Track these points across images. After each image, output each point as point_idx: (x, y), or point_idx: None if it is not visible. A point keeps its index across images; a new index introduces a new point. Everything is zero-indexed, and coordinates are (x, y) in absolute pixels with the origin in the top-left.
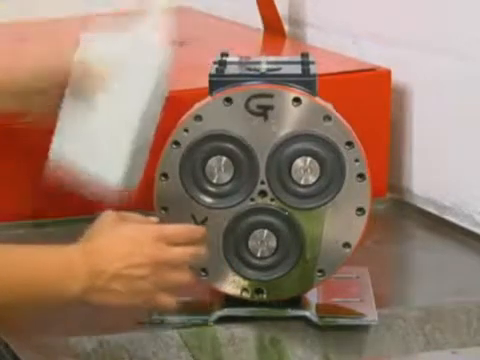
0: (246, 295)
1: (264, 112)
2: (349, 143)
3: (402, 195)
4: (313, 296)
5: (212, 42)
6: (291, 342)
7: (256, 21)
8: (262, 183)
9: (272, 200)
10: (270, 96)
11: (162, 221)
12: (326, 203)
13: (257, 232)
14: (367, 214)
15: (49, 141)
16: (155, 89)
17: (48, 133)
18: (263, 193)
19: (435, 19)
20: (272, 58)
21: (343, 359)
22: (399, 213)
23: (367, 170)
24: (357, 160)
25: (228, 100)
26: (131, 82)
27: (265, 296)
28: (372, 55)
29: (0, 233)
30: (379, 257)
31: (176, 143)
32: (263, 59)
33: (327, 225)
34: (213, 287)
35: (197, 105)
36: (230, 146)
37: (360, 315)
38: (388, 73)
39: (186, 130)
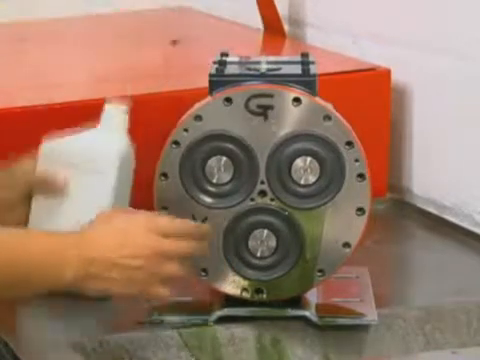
0: (246, 295)
1: (264, 112)
2: (349, 143)
3: (402, 195)
4: (313, 296)
5: (212, 42)
6: (291, 342)
7: (256, 21)
8: (262, 183)
9: (272, 200)
10: (270, 96)
11: None
12: (326, 203)
13: (257, 232)
14: (367, 214)
15: None
16: (118, 184)
17: None
18: (263, 193)
19: (435, 19)
20: (272, 58)
21: (343, 359)
22: (399, 213)
23: (367, 170)
24: (357, 160)
25: (228, 100)
26: (94, 180)
27: (265, 296)
28: (372, 55)
29: None
30: (379, 257)
31: (176, 143)
32: (263, 59)
33: (327, 225)
34: (213, 287)
35: (197, 105)
36: (230, 146)
37: (360, 315)
38: (388, 73)
39: (186, 130)
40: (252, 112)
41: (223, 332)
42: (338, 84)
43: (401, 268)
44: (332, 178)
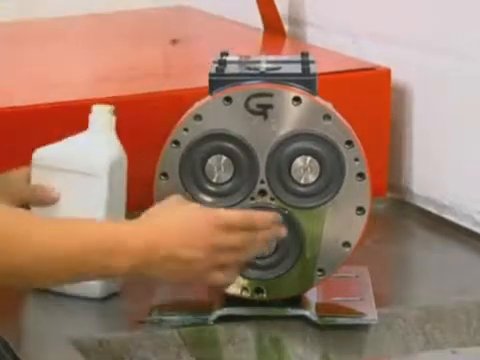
0: (246, 294)
1: (264, 111)
2: (349, 142)
3: (402, 194)
4: (313, 295)
5: (212, 41)
6: (291, 341)
7: (256, 20)
8: (262, 182)
9: (272, 199)
10: (270, 95)
11: None
12: (326, 202)
13: None
14: (367, 213)
15: None
16: (111, 185)
17: None
18: (263, 192)
19: (435, 19)
20: (272, 57)
21: (343, 358)
22: (399, 212)
23: (367, 169)
24: (357, 159)
25: (228, 99)
26: (87, 183)
27: (265, 295)
28: (372, 54)
29: None
30: (379, 256)
31: (176, 142)
32: (263, 58)
33: (327, 224)
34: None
35: (197, 104)
36: (230, 145)
37: (360, 314)
38: (388, 72)
39: (186, 129)
40: (252, 111)
41: (223, 331)
42: (338, 83)
43: (401, 267)
44: (332, 177)
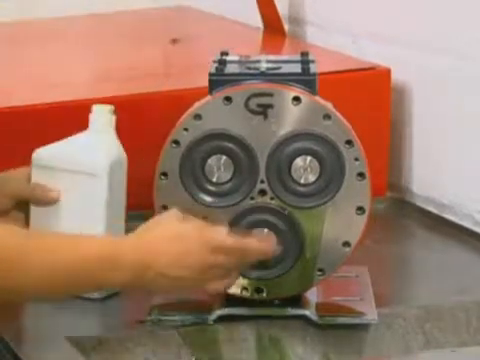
0: (246, 294)
1: (264, 111)
2: (349, 142)
3: (402, 194)
4: (313, 295)
5: (212, 41)
6: (291, 341)
7: (256, 20)
8: (262, 182)
9: (272, 199)
10: (270, 95)
11: None
12: (326, 202)
13: (257, 231)
14: (367, 213)
15: None
16: (111, 184)
17: None
18: (263, 192)
19: (435, 19)
20: (272, 57)
21: (343, 358)
22: (399, 212)
23: (367, 169)
24: (357, 159)
25: (228, 99)
26: (88, 183)
27: (265, 295)
28: (372, 54)
29: None
30: (379, 256)
31: (176, 142)
32: (263, 58)
33: (327, 224)
34: None
35: (197, 104)
36: (230, 145)
37: (360, 314)
38: (388, 72)
39: (186, 129)
40: (252, 111)
41: (223, 331)
42: (338, 83)
43: (401, 267)
44: (332, 177)
